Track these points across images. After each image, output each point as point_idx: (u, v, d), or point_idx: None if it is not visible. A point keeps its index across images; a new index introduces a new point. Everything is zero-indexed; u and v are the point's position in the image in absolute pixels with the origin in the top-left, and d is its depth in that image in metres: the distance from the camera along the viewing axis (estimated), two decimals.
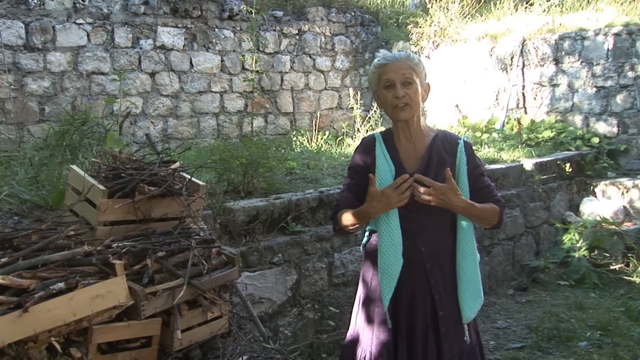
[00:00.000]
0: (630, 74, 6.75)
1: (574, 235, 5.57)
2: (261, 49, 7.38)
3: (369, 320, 2.26)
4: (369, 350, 2.23)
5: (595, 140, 6.83)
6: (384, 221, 2.17)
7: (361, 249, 2.40)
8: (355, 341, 2.30)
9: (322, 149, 6.41)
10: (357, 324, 2.32)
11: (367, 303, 2.29)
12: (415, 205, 2.14)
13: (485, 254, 5.20)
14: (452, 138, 2.27)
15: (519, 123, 7.08)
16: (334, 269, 3.98)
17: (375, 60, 2.23)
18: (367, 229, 2.35)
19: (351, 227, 2.25)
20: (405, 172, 2.17)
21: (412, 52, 2.27)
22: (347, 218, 2.24)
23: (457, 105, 8.15)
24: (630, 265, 5.27)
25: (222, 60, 7.30)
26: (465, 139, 2.28)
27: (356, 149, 2.37)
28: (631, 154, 6.83)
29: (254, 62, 6.64)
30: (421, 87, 2.19)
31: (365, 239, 2.36)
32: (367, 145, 2.29)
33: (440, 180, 2.11)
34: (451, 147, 2.23)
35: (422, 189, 2.08)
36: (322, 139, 6.88)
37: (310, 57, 8.14)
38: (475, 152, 2.29)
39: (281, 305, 3.68)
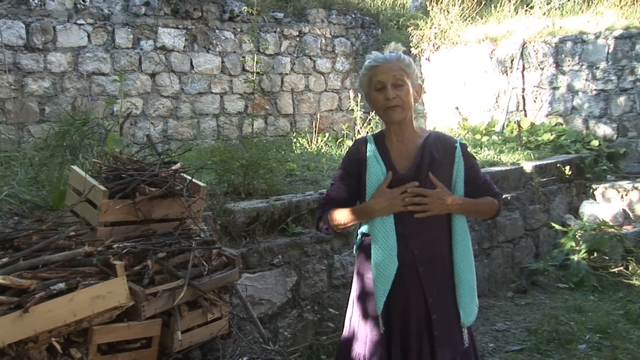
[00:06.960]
0: (630, 77, 6.75)
1: (573, 238, 5.57)
2: (261, 51, 7.39)
3: (363, 321, 2.27)
4: (362, 352, 2.23)
5: (595, 143, 6.84)
6: (379, 224, 2.16)
7: (354, 252, 2.40)
8: (350, 342, 2.31)
9: (322, 150, 6.41)
10: (352, 324, 2.33)
11: (361, 304, 2.29)
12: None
13: (484, 256, 5.20)
14: (448, 140, 2.26)
15: (519, 126, 7.08)
16: (333, 270, 3.98)
17: (366, 62, 2.22)
18: (358, 233, 2.34)
19: (342, 226, 2.24)
20: (396, 172, 2.18)
21: (404, 52, 2.25)
22: (341, 215, 2.21)
23: (457, 108, 8.15)
24: (630, 268, 5.26)
25: (223, 62, 7.30)
26: (461, 141, 2.27)
27: (348, 149, 2.38)
28: (631, 157, 6.83)
29: (254, 63, 6.66)
30: (412, 88, 2.18)
31: (357, 242, 2.36)
32: (359, 146, 2.29)
33: (430, 183, 2.14)
34: (447, 150, 2.22)
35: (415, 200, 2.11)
36: (322, 140, 6.87)
37: (310, 58, 8.15)
38: (468, 150, 2.30)
39: (281, 307, 3.68)
